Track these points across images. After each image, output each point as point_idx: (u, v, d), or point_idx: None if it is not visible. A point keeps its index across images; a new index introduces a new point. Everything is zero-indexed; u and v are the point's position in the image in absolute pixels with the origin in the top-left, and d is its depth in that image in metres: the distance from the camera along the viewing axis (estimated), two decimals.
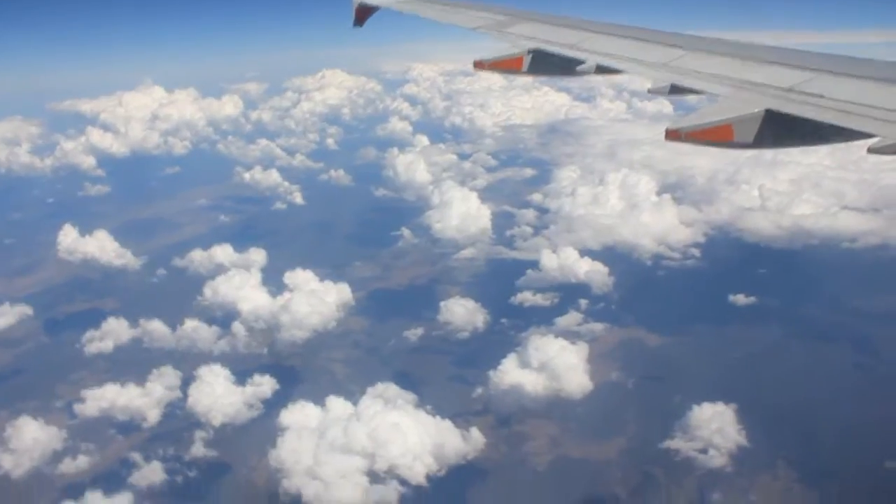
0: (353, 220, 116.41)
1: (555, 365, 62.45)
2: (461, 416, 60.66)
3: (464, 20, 11.35)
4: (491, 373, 64.74)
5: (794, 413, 58.10)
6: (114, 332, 78.49)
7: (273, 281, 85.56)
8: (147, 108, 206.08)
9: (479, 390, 64.73)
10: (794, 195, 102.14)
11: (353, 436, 53.68)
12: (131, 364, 72.52)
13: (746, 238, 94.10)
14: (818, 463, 53.70)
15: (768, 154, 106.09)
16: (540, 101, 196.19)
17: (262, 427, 61.14)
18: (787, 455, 55.08)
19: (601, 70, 8.60)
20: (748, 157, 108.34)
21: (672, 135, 6.37)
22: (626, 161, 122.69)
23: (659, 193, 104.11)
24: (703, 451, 55.30)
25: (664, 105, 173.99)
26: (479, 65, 9.29)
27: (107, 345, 77.06)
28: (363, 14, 13.49)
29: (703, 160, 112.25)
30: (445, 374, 69.15)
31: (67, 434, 62.29)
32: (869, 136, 5.77)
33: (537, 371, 62.89)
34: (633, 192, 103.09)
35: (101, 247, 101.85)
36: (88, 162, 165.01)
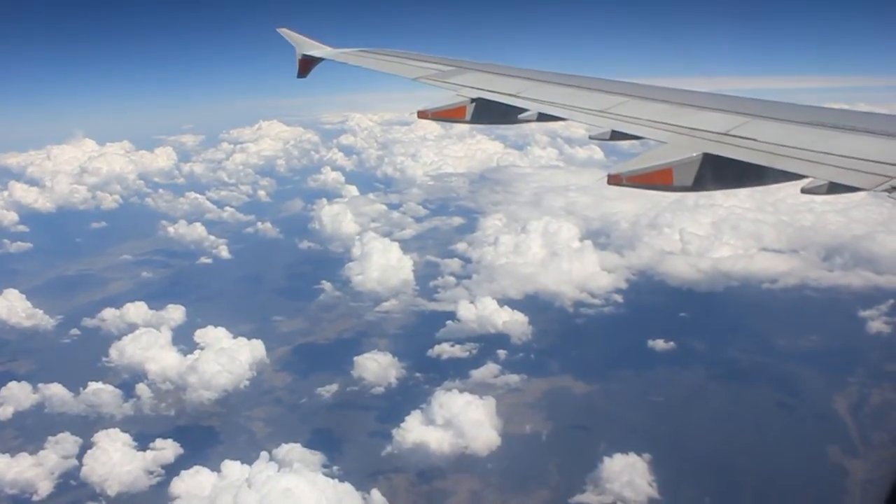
0: (278, 273, 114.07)
1: (460, 421, 61.05)
2: (378, 475, 59.10)
3: (406, 70, 11.48)
4: (394, 431, 63.21)
5: (718, 457, 57.88)
6: (15, 397, 74.81)
7: (188, 339, 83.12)
8: (77, 162, 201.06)
9: (389, 448, 62.91)
10: (714, 238, 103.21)
11: None
12: (32, 431, 69.34)
13: (668, 282, 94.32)
14: None
15: (690, 197, 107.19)
16: (473, 149, 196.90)
17: (160, 495, 58.34)
18: (711, 502, 54.42)
19: (543, 118, 8.73)
20: (670, 202, 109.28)
21: (614, 179, 6.56)
22: (550, 208, 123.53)
23: (581, 240, 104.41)
24: None
25: (595, 151, 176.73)
26: (422, 114, 9.36)
27: (6, 411, 73.42)
28: (307, 66, 13.77)
29: (627, 205, 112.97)
30: (358, 432, 67.20)
31: None
32: (801, 176, 6.07)
33: (442, 428, 61.43)
34: (554, 239, 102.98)
35: (11, 307, 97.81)
36: (10, 217, 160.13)
